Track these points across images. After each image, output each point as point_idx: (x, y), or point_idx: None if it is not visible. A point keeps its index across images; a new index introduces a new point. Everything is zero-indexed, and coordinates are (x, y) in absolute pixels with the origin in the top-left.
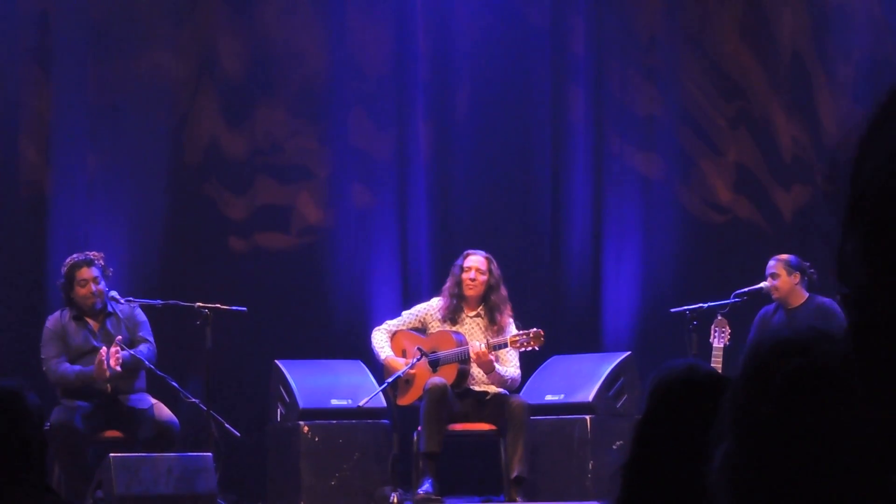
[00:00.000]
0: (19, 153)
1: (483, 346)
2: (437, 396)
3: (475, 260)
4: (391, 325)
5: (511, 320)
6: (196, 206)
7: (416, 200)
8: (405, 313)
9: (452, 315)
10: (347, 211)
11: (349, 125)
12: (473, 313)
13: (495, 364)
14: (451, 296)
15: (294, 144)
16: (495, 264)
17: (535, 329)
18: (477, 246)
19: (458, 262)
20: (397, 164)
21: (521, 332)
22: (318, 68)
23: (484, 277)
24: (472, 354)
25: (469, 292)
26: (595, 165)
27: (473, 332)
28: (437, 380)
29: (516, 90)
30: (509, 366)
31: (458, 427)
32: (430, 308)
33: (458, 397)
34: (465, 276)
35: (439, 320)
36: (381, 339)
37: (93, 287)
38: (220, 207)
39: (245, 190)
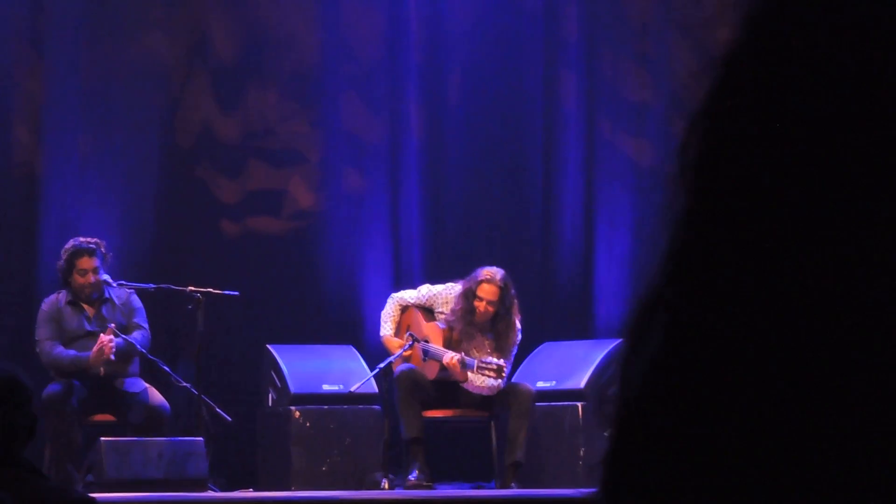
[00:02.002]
0: (12, 134)
1: (456, 358)
2: (406, 384)
3: (488, 291)
4: (406, 298)
5: (518, 338)
6: (188, 190)
7: (408, 185)
8: (423, 289)
9: (466, 334)
10: (339, 195)
11: (341, 109)
12: (483, 331)
13: (469, 375)
14: (461, 316)
15: (286, 128)
16: (510, 286)
17: (498, 363)
18: (468, 230)
19: (471, 284)
20: (389, 148)
21: (486, 360)
22: (310, 52)
23: (493, 309)
24: (446, 363)
25: (480, 320)
26: (587, 151)
27: (482, 347)
28: (405, 366)
29: (509, 75)
30: (488, 376)
31: (450, 413)
32: (443, 297)
33: (459, 383)
34: (476, 303)
35: (448, 319)
36: (387, 314)
37: (92, 278)
38: (213, 191)
39: (237, 174)
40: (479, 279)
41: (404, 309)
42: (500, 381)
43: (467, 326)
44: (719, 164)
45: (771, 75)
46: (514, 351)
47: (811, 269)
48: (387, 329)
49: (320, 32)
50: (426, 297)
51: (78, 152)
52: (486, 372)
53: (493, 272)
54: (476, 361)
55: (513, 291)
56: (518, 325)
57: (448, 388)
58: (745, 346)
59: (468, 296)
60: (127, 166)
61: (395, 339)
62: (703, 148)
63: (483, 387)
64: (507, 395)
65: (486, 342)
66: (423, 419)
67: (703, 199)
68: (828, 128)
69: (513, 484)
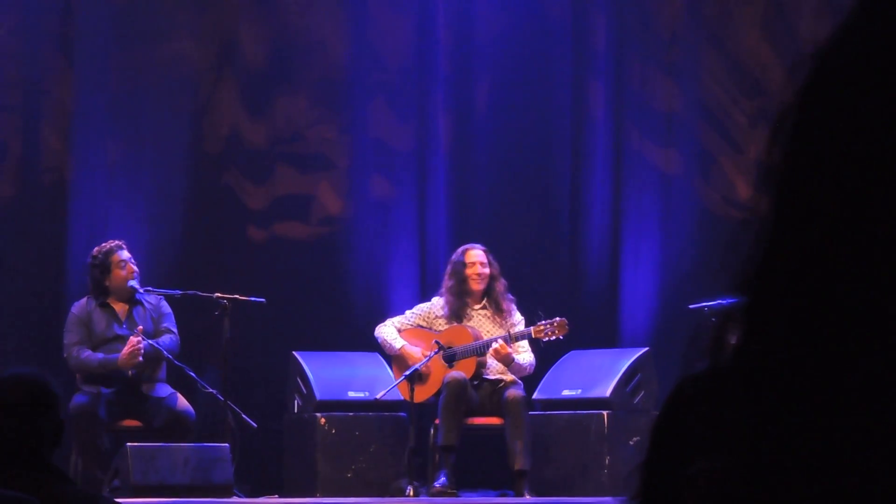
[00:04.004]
0: (41, 139)
1: (500, 342)
2: (456, 390)
3: (476, 254)
4: (396, 322)
5: (514, 307)
6: (216, 195)
7: (435, 192)
8: (409, 312)
9: (458, 312)
10: (367, 202)
11: (369, 116)
12: (479, 306)
13: (514, 356)
14: (456, 293)
15: (314, 134)
16: (492, 255)
17: (559, 318)
18: (495, 239)
19: (457, 258)
20: (417, 155)
21: (545, 321)
22: (339, 58)
23: (487, 270)
24: (492, 353)
25: (476, 286)
26: (614, 161)
27: (483, 325)
28: (456, 374)
29: (537, 84)
30: (522, 352)
31: (475, 421)
32: (434, 307)
33: (474, 389)
34: (469, 271)
35: (444, 318)
36: (391, 332)
37: (132, 267)
38: (240, 197)
39: (265, 179)
40: (461, 251)
41: (398, 333)
42: (530, 359)
43: (462, 298)
44: (807, 165)
45: (863, 75)
46: (544, 326)
47: None
48: (400, 342)
49: (349, 39)
50: (417, 315)
51: (106, 158)
52: (549, 333)
53: (471, 244)
54: (532, 329)
55: (496, 262)
56: (513, 305)
57: (483, 389)
58: (829, 357)
59: (457, 270)
60: (155, 172)
61: (414, 347)
62: (790, 148)
63: (523, 365)
64: (499, 404)
65: (486, 314)
66: (462, 428)
67: (789, 200)
68: None
69: (525, 492)
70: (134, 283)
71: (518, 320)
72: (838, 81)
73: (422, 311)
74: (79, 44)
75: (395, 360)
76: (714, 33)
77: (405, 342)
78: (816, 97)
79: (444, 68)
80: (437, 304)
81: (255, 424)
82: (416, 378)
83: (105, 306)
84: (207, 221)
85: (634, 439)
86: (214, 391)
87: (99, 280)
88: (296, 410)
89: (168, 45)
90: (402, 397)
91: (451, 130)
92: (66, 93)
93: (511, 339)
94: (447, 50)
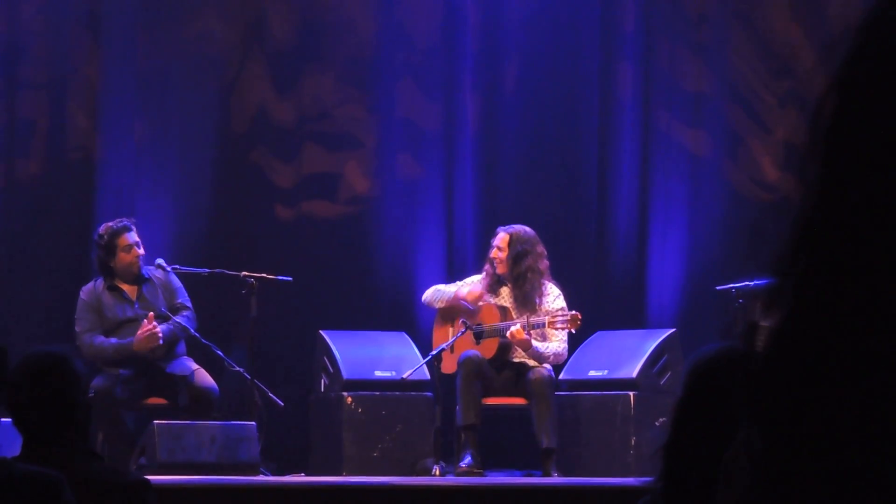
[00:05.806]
0: (68, 117)
1: (518, 326)
2: (470, 370)
3: (497, 238)
4: (441, 287)
5: (547, 291)
6: (243, 174)
7: (462, 173)
8: (459, 283)
9: (490, 291)
10: (394, 181)
11: (397, 95)
12: (506, 288)
13: (532, 342)
14: (489, 273)
15: (342, 113)
16: (524, 237)
17: (573, 312)
18: (522, 219)
19: (491, 239)
20: (445, 136)
21: (560, 311)
22: (367, 37)
23: (503, 254)
24: (508, 336)
25: (498, 269)
26: (642, 141)
27: (506, 300)
28: (470, 353)
29: (565, 64)
30: (553, 340)
31: (500, 401)
32: (480, 282)
33: (498, 370)
34: (492, 254)
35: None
36: (440, 287)
37: (137, 252)
38: (268, 175)
39: (293, 158)
40: (495, 232)
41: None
42: (556, 348)
43: (494, 278)
44: (853, 132)
45: None
46: (558, 317)
47: None
48: (454, 287)
49: (377, 18)
50: (467, 284)
51: (134, 136)
52: (560, 324)
53: (507, 226)
54: (546, 318)
55: (528, 247)
56: (549, 289)
57: (509, 371)
58: (874, 322)
59: (489, 251)
60: (182, 150)
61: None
62: (837, 116)
63: (545, 353)
64: (524, 385)
65: (514, 294)
66: (481, 406)
67: (836, 166)
68: None
69: (552, 472)
70: (161, 261)
71: (556, 308)
72: (881, 48)
73: (475, 280)
74: (106, 22)
75: (441, 314)
76: (743, 13)
77: (454, 288)
78: (861, 65)
79: (472, 48)
80: (483, 279)
81: (281, 403)
82: (448, 352)
83: (114, 288)
84: (235, 200)
85: (660, 420)
86: (241, 369)
87: (104, 261)
88: (322, 389)
89: (196, 23)
90: (428, 377)
91: (479, 110)
92: (94, 71)
93: (528, 325)
94: (475, 29)
